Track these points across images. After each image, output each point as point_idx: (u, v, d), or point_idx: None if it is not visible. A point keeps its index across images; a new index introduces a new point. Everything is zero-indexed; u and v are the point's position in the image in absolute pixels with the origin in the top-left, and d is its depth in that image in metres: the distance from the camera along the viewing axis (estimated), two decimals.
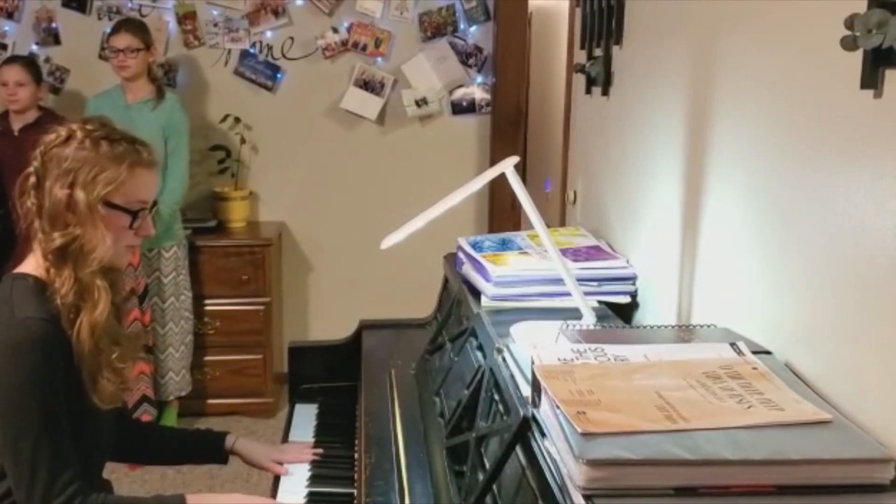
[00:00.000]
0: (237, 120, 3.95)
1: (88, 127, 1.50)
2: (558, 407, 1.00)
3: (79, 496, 1.43)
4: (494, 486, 1.24)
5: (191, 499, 1.53)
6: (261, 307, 3.82)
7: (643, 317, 1.83)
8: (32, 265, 1.51)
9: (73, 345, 1.44)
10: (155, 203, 1.60)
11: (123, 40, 3.40)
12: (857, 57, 1.02)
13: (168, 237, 3.51)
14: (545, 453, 1.06)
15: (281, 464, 1.79)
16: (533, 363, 1.14)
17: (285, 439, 1.99)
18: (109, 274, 1.53)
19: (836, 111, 1.12)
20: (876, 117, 1.02)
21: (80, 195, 1.45)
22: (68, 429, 1.45)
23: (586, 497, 0.88)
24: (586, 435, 0.93)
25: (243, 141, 3.98)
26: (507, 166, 1.49)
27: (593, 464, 0.88)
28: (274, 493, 1.72)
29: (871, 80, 0.99)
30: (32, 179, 1.49)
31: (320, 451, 1.83)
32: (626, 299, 1.84)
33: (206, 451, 1.85)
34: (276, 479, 1.77)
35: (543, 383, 1.07)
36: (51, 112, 3.52)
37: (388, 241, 1.58)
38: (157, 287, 3.54)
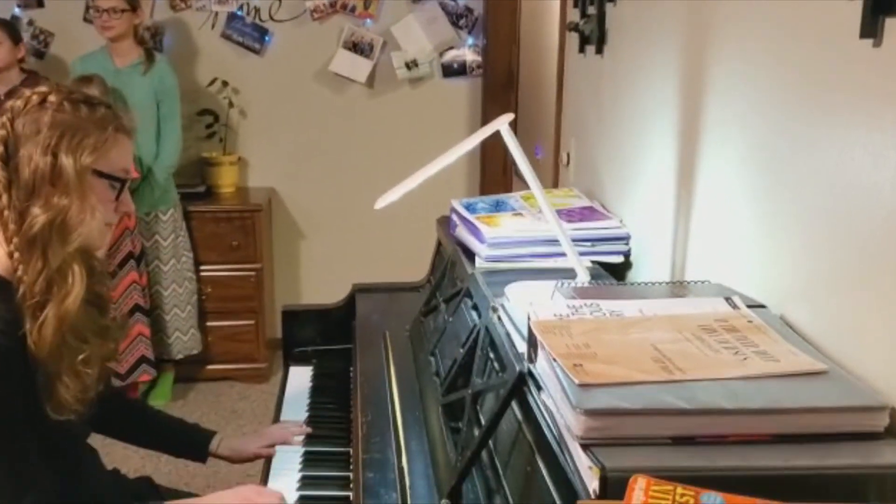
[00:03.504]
0: (225, 84, 3.91)
1: (64, 90, 1.36)
2: (555, 360, 1.00)
3: None
4: (490, 441, 1.24)
5: None
6: (252, 273, 3.82)
7: (636, 276, 1.83)
8: None
9: (31, 345, 1.27)
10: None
11: (108, 0, 3.34)
12: (856, 5, 1.01)
13: (165, 200, 3.53)
14: (541, 407, 1.06)
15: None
16: (529, 319, 1.14)
17: (280, 401, 1.99)
18: (86, 258, 1.37)
19: (834, 62, 1.11)
20: (875, 67, 1.01)
21: (67, 162, 1.29)
22: (31, 443, 1.31)
23: (584, 446, 0.88)
24: (584, 386, 0.93)
25: (231, 105, 3.94)
26: (502, 124, 1.47)
27: (591, 413, 0.88)
28: (269, 459, 1.72)
29: (870, 28, 0.98)
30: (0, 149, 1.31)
31: (308, 430, 1.78)
32: (619, 259, 1.84)
33: (188, 449, 1.78)
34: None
35: (540, 338, 1.07)
36: (36, 74, 3.47)
37: (383, 201, 1.57)
38: (156, 250, 3.55)
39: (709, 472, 0.83)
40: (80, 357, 1.34)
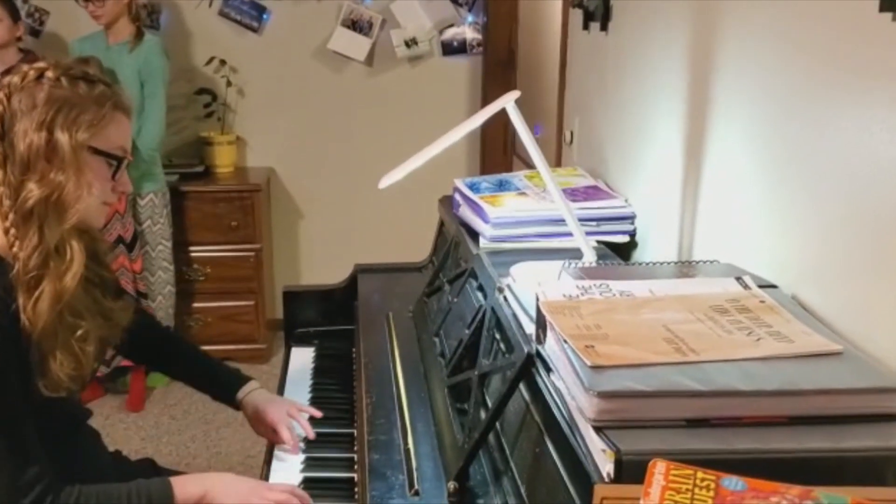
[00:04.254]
0: (222, 62, 3.86)
1: (62, 66, 1.34)
2: (566, 341, 0.99)
3: (49, 494, 1.27)
4: (497, 422, 1.23)
5: (175, 482, 1.40)
6: (251, 253, 3.79)
7: (642, 256, 1.82)
8: None
9: (25, 321, 1.26)
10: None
11: None
12: None
13: (144, 184, 3.41)
14: (550, 389, 1.05)
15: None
16: (538, 299, 1.12)
17: (282, 382, 1.97)
18: (83, 236, 1.36)
19: (851, 36, 1.09)
20: (895, 41, 0.99)
21: (62, 138, 1.28)
22: (28, 419, 1.29)
23: (597, 429, 0.87)
24: (596, 368, 0.92)
25: (229, 84, 3.90)
26: (508, 101, 1.45)
27: (604, 396, 0.87)
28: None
29: (891, 1, 0.95)
30: None
31: (319, 413, 1.71)
32: (624, 238, 1.83)
33: (219, 395, 1.74)
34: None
35: (550, 319, 1.06)
36: (32, 53, 3.43)
37: (387, 181, 1.55)
38: (150, 234, 3.49)
39: (725, 455, 0.82)
40: (77, 334, 1.34)
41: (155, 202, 3.49)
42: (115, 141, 1.37)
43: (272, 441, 1.65)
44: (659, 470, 0.68)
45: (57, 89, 1.31)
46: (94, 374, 1.45)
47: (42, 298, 1.27)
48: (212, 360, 1.79)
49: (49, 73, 1.32)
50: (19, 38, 3.40)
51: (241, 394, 1.70)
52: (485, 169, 4.05)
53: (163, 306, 3.61)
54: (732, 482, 0.67)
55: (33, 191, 1.28)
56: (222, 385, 1.73)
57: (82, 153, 1.31)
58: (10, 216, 1.28)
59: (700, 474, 0.68)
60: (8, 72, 3.22)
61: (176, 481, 1.41)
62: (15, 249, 1.28)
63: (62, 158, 1.29)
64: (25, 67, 1.34)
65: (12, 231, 1.28)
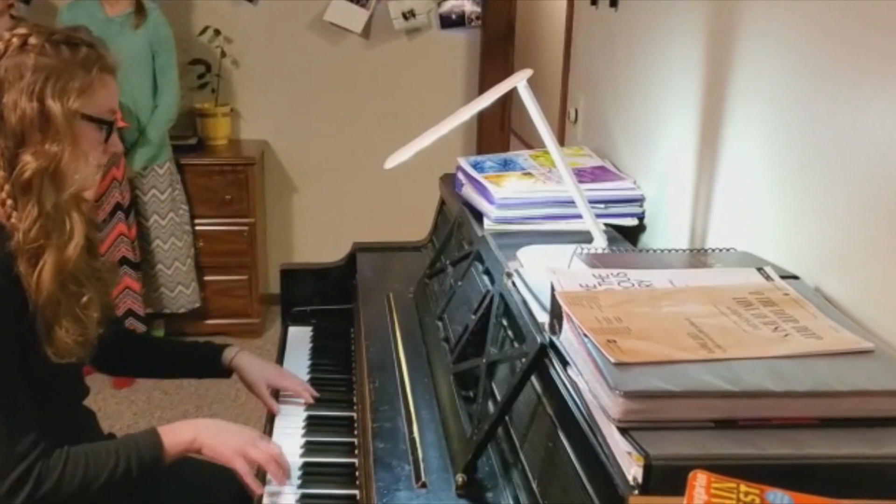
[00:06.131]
0: (217, 32, 3.79)
1: (44, 31, 1.31)
2: (586, 335, 0.95)
3: (40, 460, 1.28)
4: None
5: (163, 430, 1.40)
6: (245, 228, 3.75)
7: (651, 240, 1.78)
8: None
9: (28, 290, 1.27)
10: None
11: None
12: None
13: (161, 154, 3.45)
14: (566, 382, 1.01)
15: (276, 396, 1.68)
16: (554, 289, 1.08)
17: (279, 363, 1.93)
18: (82, 204, 1.36)
19: (875, 19, 1.04)
20: None
21: (54, 107, 1.27)
22: (24, 385, 1.29)
23: (622, 430, 0.83)
24: (620, 365, 0.88)
25: (224, 55, 3.82)
26: (520, 80, 1.40)
27: (631, 396, 0.83)
28: (271, 421, 1.66)
29: None
30: None
31: (317, 395, 1.70)
32: (633, 222, 1.79)
33: (204, 366, 1.72)
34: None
35: (567, 310, 1.02)
36: (25, 21, 3.33)
37: (393, 161, 1.50)
38: (154, 204, 3.47)
39: (758, 461, 0.78)
40: (82, 301, 1.35)
41: (171, 169, 3.51)
42: (105, 104, 1.35)
43: (267, 405, 1.66)
44: (700, 482, 0.65)
45: (43, 57, 1.28)
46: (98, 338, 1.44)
47: (45, 269, 1.27)
48: (187, 342, 1.79)
49: (33, 40, 1.29)
50: (11, 6, 3.31)
51: (226, 359, 1.69)
52: (481, 144, 4.00)
53: (183, 272, 3.60)
54: (778, 497, 0.63)
55: (30, 163, 1.26)
56: (206, 357, 1.71)
57: (75, 121, 1.30)
58: (6, 187, 1.27)
59: (743, 487, 0.64)
60: None
61: (164, 429, 1.41)
62: (14, 220, 1.27)
63: (56, 129, 1.27)
64: (7, 35, 1.30)
65: (9, 202, 1.27)
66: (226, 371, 1.71)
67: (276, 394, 1.70)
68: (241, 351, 1.72)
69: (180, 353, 1.78)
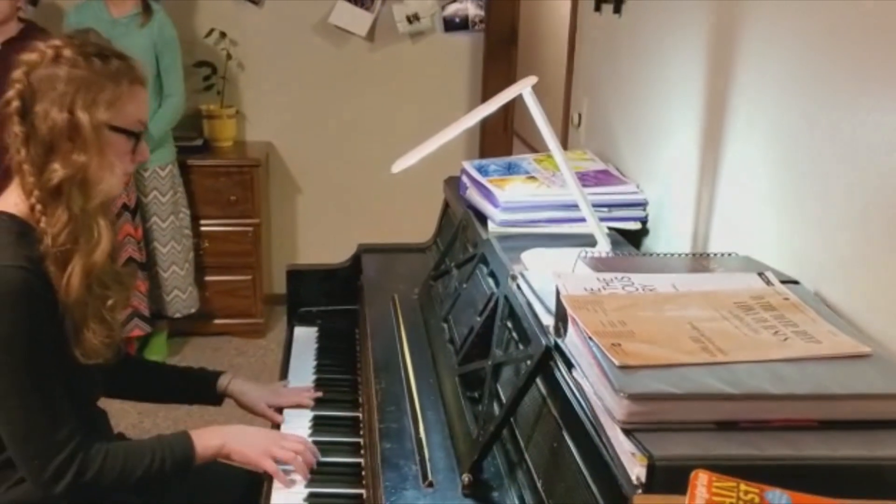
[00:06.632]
0: (223, 35, 3.81)
1: (77, 43, 1.36)
2: (591, 338, 0.97)
3: (81, 451, 1.33)
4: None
5: (195, 434, 1.45)
6: (250, 228, 3.77)
7: (654, 244, 1.80)
8: (11, 202, 1.36)
9: (59, 293, 1.32)
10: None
11: None
12: None
13: (163, 155, 3.45)
14: (571, 384, 1.04)
15: (280, 410, 1.70)
16: (559, 293, 1.11)
17: (286, 363, 1.96)
18: (108, 209, 1.41)
19: (880, 30, 1.06)
20: None
21: (83, 118, 1.31)
22: (60, 381, 1.34)
23: (626, 431, 0.86)
24: (624, 368, 0.90)
25: (229, 57, 3.84)
26: (525, 87, 1.42)
27: (635, 398, 0.85)
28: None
29: None
30: (16, 104, 1.32)
31: (319, 394, 1.74)
32: (636, 225, 1.81)
33: (197, 392, 1.75)
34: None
35: (572, 313, 1.04)
36: (33, 24, 3.36)
37: (399, 165, 1.52)
38: (155, 206, 3.48)
39: (758, 462, 0.81)
40: (108, 303, 1.40)
41: (174, 172, 3.51)
42: (133, 116, 1.39)
43: (270, 420, 1.69)
44: (701, 482, 0.67)
45: (75, 69, 1.33)
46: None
47: (73, 273, 1.32)
48: (181, 367, 1.82)
49: (66, 52, 1.33)
50: (19, 8, 3.33)
51: (220, 385, 1.73)
52: (485, 146, 4.02)
53: (181, 276, 3.60)
54: (776, 496, 0.65)
55: (58, 170, 1.31)
56: (200, 383, 1.74)
57: (103, 132, 1.34)
58: (36, 192, 1.32)
59: (743, 486, 0.66)
60: (8, 42, 3.19)
61: (195, 434, 1.46)
62: (43, 225, 1.32)
63: (84, 139, 1.32)
64: (42, 45, 1.35)
65: (38, 207, 1.32)
66: (218, 398, 1.74)
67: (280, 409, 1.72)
68: (235, 377, 1.75)
69: (173, 378, 1.78)
